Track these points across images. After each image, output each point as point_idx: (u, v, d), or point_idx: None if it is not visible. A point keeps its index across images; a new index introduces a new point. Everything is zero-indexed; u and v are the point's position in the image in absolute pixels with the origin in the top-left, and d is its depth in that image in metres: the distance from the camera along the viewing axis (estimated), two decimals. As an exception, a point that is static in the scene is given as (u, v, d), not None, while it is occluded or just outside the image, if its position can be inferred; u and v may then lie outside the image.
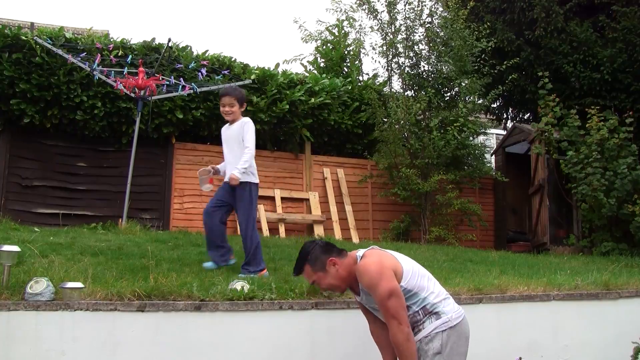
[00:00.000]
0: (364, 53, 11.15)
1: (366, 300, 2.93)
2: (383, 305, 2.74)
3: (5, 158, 7.48)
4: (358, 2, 10.39)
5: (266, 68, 8.96)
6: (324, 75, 10.07)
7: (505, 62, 10.06)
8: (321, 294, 3.76)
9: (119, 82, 7.10)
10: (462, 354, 2.84)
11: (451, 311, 2.84)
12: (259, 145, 9.10)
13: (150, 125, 7.74)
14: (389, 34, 9.83)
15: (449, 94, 9.99)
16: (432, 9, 9.98)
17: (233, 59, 8.73)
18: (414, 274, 2.88)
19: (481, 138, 11.56)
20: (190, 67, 7.98)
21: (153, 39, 8.30)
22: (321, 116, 9.09)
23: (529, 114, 12.73)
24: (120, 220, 7.04)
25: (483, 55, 10.07)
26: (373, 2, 9.86)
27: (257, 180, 4.76)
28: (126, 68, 7.24)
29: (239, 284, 3.68)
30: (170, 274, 4.07)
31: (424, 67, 9.86)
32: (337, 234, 8.66)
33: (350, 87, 9.62)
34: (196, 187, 8.33)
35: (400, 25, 9.77)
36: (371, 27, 10.19)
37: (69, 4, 45.69)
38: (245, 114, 8.52)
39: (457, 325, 2.82)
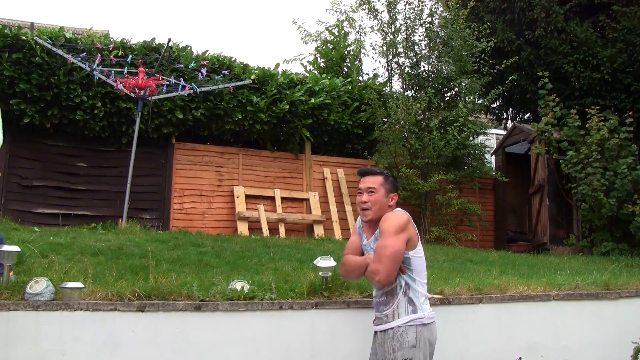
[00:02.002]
0: (364, 53, 11.19)
1: (372, 246, 3.03)
2: (380, 248, 2.87)
3: (5, 158, 7.48)
4: (358, 2, 10.40)
5: (266, 68, 8.97)
6: (324, 75, 10.07)
7: (505, 61, 10.06)
8: (321, 294, 3.76)
9: (119, 82, 7.10)
10: (431, 353, 2.97)
11: (427, 310, 2.97)
12: (259, 145, 9.16)
13: (150, 125, 7.74)
14: (389, 34, 9.84)
15: (449, 94, 9.99)
16: (432, 9, 10.00)
17: (233, 59, 8.73)
18: (422, 257, 3.02)
19: (481, 138, 11.54)
20: (190, 67, 7.99)
21: (153, 39, 8.31)
22: (321, 116, 9.09)
23: (529, 114, 12.73)
24: (120, 220, 7.04)
25: (483, 55, 10.07)
26: (373, 2, 9.87)
27: None
28: (126, 68, 7.25)
29: (239, 284, 3.68)
30: (170, 274, 4.06)
31: (424, 67, 9.87)
32: (337, 234, 8.66)
33: (350, 87, 9.63)
34: (196, 187, 8.38)
35: (401, 25, 9.79)
36: (371, 27, 10.23)
37: (69, 4, 45.73)
38: (245, 113, 8.71)
39: (429, 325, 2.96)
